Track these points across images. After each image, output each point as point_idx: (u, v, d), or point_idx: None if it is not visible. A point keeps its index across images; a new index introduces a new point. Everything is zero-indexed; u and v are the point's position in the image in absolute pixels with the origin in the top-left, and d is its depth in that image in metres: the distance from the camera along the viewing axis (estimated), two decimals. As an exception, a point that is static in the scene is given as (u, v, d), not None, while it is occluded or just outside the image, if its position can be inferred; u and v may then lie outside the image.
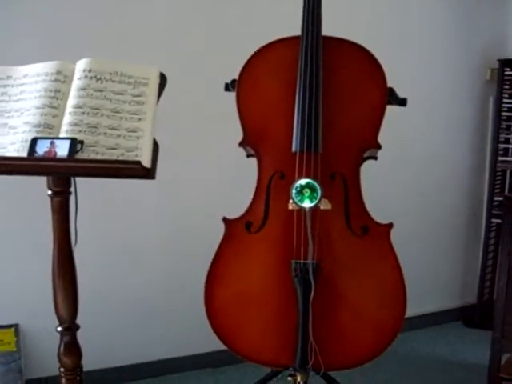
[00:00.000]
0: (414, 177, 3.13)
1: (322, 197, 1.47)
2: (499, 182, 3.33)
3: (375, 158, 1.62)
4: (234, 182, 2.34)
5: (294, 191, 1.48)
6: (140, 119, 1.52)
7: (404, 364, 2.81)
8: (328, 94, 1.55)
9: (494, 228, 3.34)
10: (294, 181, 1.50)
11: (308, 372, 1.52)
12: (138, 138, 1.49)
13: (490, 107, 3.39)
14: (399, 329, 1.56)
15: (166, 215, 2.55)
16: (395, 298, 1.56)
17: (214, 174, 2.56)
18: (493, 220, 3.32)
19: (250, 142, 1.59)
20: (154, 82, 1.59)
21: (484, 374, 2.45)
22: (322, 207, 1.49)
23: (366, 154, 1.59)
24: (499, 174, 3.33)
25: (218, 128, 2.40)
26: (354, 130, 1.58)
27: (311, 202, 1.48)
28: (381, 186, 2.62)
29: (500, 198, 3.25)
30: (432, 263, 3.30)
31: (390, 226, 1.56)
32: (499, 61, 3.22)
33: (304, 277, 1.50)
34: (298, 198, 1.48)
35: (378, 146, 1.57)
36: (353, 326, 1.58)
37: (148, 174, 1.43)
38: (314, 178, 1.49)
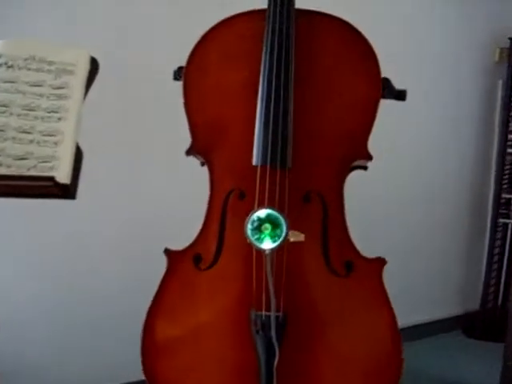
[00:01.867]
0: (411, 172, 2.79)
1: (287, 235, 1.08)
2: (507, 177, 2.98)
3: (364, 167, 1.26)
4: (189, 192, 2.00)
5: (249, 226, 1.08)
6: (60, 119, 1.20)
7: None
8: (302, 87, 1.18)
9: (500, 228, 3.00)
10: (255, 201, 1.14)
11: None
12: (55, 143, 1.16)
13: (499, 92, 3.02)
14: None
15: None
16: (389, 357, 1.21)
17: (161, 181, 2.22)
18: (499, 220, 2.99)
19: (200, 149, 1.22)
20: (82, 69, 1.25)
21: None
22: (291, 239, 1.12)
23: (352, 165, 1.23)
24: (508, 168, 2.98)
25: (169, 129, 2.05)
26: (336, 135, 1.21)
27: (273, 241, 1.08)
28: (373, 183, 2.26)
29: (509, 196, 2.92)
30: (429, 267, 2.99)
31: (382, 262, 1.21)
32: (511, 39, 2.84)
33: (266, 335, 1.15)
34: (255, 236, 1.09)
35: (369, 157, 1.21)
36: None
37: (65, 193, 1.10)
38: (279, 208, 1.11)
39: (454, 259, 3.13)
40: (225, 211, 1.17)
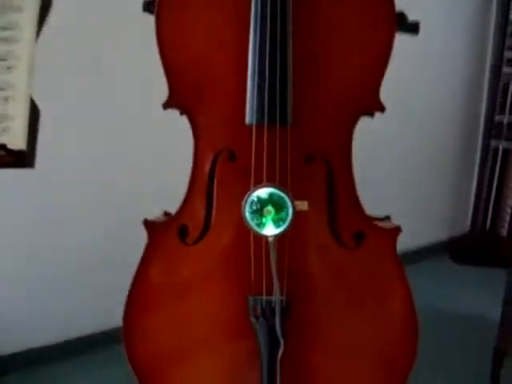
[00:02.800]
0: (400, 95, 2.59)
1: (293, 219, 0.90)
2: (501, 98, 2.82)
3: (372, 114, 1.07)
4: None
5: (247, 209, 0.90)
6: (9, 68, 0.99)
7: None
8: (302, 27, 0.94)
9: (491, 152, 2.89)
10: (250, 162, 0.94)
11: None
12: (5, 99, 0.97)
13: (494, 5, 2.81)
14: (412, 367, 1.08)
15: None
16: (405, 333, 1.07)
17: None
18: (491, 143, 2.86)
19: (180, 101, 0.99)
20: (32, 4, 1.04)
21: (483, 326, 2.16)
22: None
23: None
24: (502, 88, 2.81)
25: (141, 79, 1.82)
26: (344, 83, 0.99)
27: (277, 226, 0.91)
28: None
29: (501, 117, 2.78)
30: (418, 191, 2.88)
31: (397, 230, 1.05)
32: None
33: (268, 322, 1.00)
34: (256, 221, 0.91)
35: (381, 108, 1.01)
36: (345, 375, 1.10)
37: (21, 161, 0.93)
38: (280, 176, 0.91)
39: (443, 182, 3.03)
40: (212, 176, 0.99)
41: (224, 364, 1.08)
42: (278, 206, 0.90)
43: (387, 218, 1.13)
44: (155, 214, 1.12)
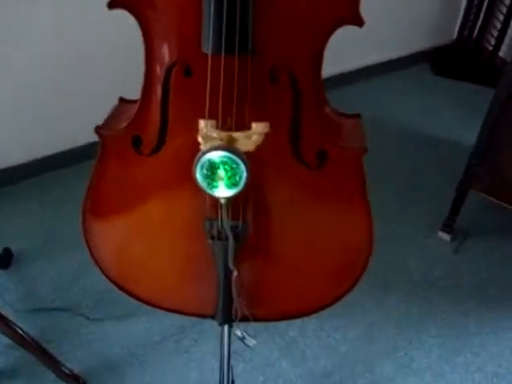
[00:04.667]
0: None
1: (247, 182, 0.84)
2: None
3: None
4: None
5: (198, 171, 0.84)
6: None
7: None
8: None
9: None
10: (207, 81, 0.86)
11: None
12: None
13: None
14: (364, 269, 1.07)
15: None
16: (360, 254, 1.03)
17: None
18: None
19: (126, 2, 0.85)
20: None
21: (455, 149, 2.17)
22: (254, 131, 0.86)
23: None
24: None
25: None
26: None
27: (230, 188, 0.85)
28: None
29: None
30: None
31: (362, 151, 0.99)
32: None
33: (224, 244, 0.96)
34: (207, 184, 0.85)
35: (359, 22, 0.84)
36: (298, 278, 1.08)
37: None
38: (238, 100, 0.83)
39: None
40: (166, 89, 0.92)
41: (185, 272, 1.07)
42: (231, 170, 0.84)
43: (357, 115, 1.06)
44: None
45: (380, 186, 2.10)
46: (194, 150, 0.87)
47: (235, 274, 0.97)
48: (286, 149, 0.91)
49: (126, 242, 1.07)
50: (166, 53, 0.88)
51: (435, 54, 2.89)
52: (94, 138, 0.99)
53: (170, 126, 0.92)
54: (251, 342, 1.20)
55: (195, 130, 0.87)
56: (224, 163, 0.82)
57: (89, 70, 2.06)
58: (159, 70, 0.89)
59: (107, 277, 1.10)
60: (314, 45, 0.87)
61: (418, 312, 1.76)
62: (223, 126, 0.86)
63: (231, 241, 0.93)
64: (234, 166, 0.82)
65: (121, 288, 1.10)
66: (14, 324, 1.46)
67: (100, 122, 1.01)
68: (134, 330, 1.68)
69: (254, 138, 0.85)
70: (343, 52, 2.17)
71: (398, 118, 2.53)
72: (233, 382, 1.36)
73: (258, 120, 0.87)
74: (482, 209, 2.02)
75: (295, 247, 1.03)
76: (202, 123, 0.86)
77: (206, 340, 1.64)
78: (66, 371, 1.50)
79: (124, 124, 0.94)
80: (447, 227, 1.97)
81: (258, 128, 0.87)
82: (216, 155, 0.82)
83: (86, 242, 1.08)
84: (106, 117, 1.03)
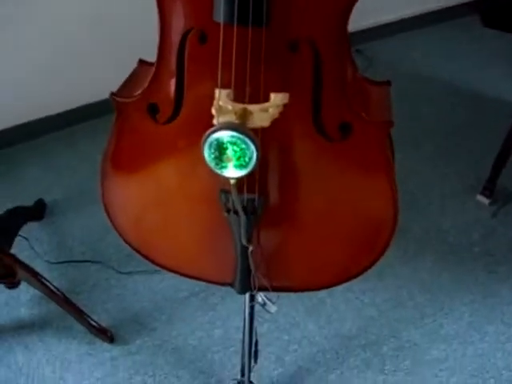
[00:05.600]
0: None
1: (257, 163, 0.79)
2: None
3: None
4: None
5: (206, 150, 0.79)
6: None
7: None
8: None
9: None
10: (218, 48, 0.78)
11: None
12: None
13: None
14: (389, 241, 1.02)
15: None
16: (383, 230, 0.98)
17: None
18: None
19: None
20: None
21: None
22: (272, 103, 0.80)
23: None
24: None
25: None
26: None
27: (239, 168, 0.80)
28: None
29: None
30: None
31: (389, 124, 0.91)
32: None
33: (239, 219, 0.91)
34: (215, 162, 0.81)
35: None
36: (321, 250, 1.04)
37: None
38: (251, 73, 0.77)
39: None
40: (182, 56, 0.88)
41: (201, 230, 1.04)
42: (241, 151, 0.78)
43: (386, 83, 0.99)
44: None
45: (418, 144, 2.03)
46: (210, 121, 0.83)
47: (251, 248, 0.94)
48: (306, 121, 0.86)
49: (143, 207, 1.05)
50: (180, 20, 0.83)
51: (486, 5, 2.69)
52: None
53: (186, 94, 0.88)
54: (272, 308, 1.19)
55: (211, 99, 0.83)
56: (233, 143, 0.77)
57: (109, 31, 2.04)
58: (174, 37, 0.84)
59: (126, 241, 1.09)
60: (338, 8, 0.80)
61: (451, 277, 1.71)
62: (238, 98, 0.81)
63: (243, 217, 0.90)
64: (244, 146, 0.77)
65: (139, 253, 1.10)
66: (44, 278, 1.49)
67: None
68: (162, 286, 1.70)
69: (271, 111, 0.80)
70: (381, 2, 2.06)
71: (440, 73, 2.41)
72: (256, 342, 1.36)
73: (276, 91, 0.82)
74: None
75: (317, 218, 0.99)
76: (216, 92, 0.82)
77: (233, 298, 1.64)
78: (95, 324, 1.54)
79: (139, 91, 0.91)
80: (486, 190, 1.89)
81: (277, 99, 0.81)
82: (224, 135, 0.77)
83: (104, 205, 1.06)
84: (125, 80, 1.00)
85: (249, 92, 0.81)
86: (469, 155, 2.05)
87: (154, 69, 0.90)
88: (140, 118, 0.93)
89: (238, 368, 1.41)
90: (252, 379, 1.41)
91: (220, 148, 0.78)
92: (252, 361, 1.38)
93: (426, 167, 1.96)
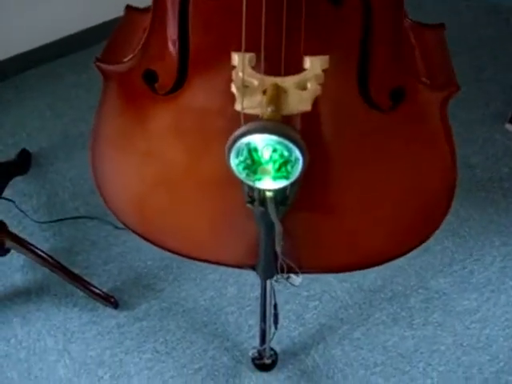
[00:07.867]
0: None
1: (304, 169, 0.60)
2: None
3: None
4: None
5: (233, 159, 0.60)
6: None
7: None
8: None
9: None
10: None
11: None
12: None
13: None
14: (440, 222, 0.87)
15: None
16: (438, 204, 0.82)
17: None
18: None
19: None
20: None
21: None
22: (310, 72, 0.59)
23: None
24: None
25: None
26: None
27: (278, 180, 0.62)
28: None
29: None
30: None
31: (454, 88, 0.71)
32: None
33: (266, 210, 0.71)
34: (246, 173, 0.61)
35: None
36: (361, 225, 0.89)
37: None
38: (288, 34, 0.58)
39: None
40: (184, 13, 0.66)
41: (214, 213, 0.89)
42: (281, 158, 0.59)
43: (440, 26, 0.80)
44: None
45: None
46: (226, 89, 0.64)
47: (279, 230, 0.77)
48: (351, 89, 0.67)
49: (147, 189, 0.88)
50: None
51: None
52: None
53: (193, 57, 0.68)
54: (297, 280, 1.05)
55: (226, 65, 0.64)
56: (271, 149, 0.58)
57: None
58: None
59: (127, 226, 0.93)
60: None
61: (481, 219, 1.57)
62: (268, 68, 0.62)
63: (272, 209, 0.70)
64: (286, 153, 0.58)
65: (145, 239, 0.94)
66: (35, 246, 1.34)
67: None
68: (166, 241, 1.56)
69: (310, 87, 0.61)
70: None
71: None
72: (275, 305, 1.25)
73: (313, 53, 0.63)
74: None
75: (361, 198, 0.82)
76: (235, 58, 0.62)
77: (245, 252, 1.52)
78: (97, 291, 1.41)
79: (131, 53, 0.71)
80: (516, 118, 1.71)
81: (315, 64, 0.62)
82: (258, 139, 0.57)
83: (98, 186, 0.90)
84: (110, 36, 0.79)
85: (282, 58, 0.61)
86: (497, 80, 1.84)
87: (148, 20, 0.70)
88: (133, 88, 0.73)
89: (256, 329, 1.30)
90: (272, 344, 1.31)
91: (252, 156, 0.59)
92: (272, 327, 1.27)
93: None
